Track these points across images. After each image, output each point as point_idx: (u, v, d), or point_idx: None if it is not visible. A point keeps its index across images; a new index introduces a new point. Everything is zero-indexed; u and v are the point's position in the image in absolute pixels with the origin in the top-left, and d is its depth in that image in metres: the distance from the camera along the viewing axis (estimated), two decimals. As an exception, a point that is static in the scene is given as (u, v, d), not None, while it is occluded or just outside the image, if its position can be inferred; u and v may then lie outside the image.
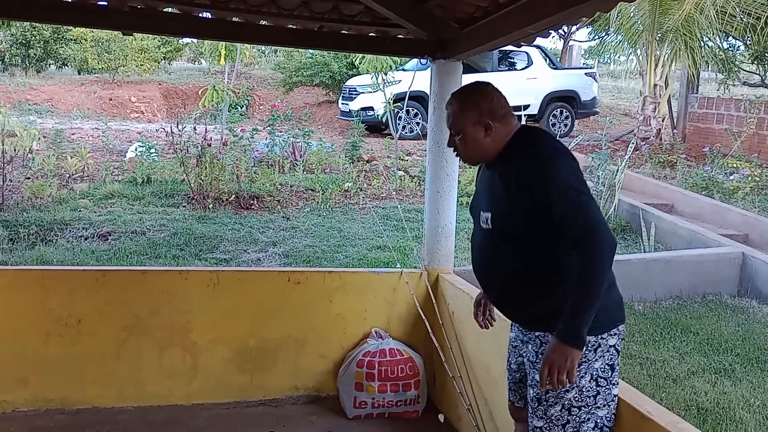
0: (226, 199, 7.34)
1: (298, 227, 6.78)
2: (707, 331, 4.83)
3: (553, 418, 2.03)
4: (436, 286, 3.57)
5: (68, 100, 16.04)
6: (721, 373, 4.15)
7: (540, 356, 2.04)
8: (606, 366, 2.02)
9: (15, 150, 7.73)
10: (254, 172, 8.15)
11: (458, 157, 2.25)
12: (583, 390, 2.01)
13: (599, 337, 2.00)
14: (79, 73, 18.78)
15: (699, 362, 4.29)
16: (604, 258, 1.87)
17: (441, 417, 3.41)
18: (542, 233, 1.96)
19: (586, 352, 1.97)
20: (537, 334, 2.09)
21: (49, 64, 19.33)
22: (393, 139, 9.99)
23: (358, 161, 9.44)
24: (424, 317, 3.52)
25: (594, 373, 2.00)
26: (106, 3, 3.14)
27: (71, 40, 18.00)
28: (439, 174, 3.51)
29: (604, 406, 2.03)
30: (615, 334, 2.03)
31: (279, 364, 3.54)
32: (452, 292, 3.42)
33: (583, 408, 2.02)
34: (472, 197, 2.32)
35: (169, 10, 3.27)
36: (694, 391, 3.89)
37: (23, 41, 17.94)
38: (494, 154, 2.11)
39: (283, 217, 7.12)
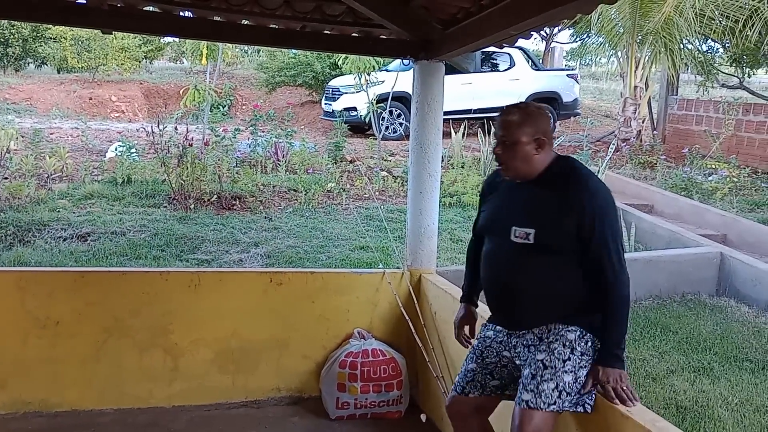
0: (208, 200, 7.29)
1: (280, 228, 6.75)
2: (686, 330, 4.89)
3: (543, 393, 2.09)
4: (419, 287, 3.57)
5: (47, 99, 15.83)
6: (699, 372, 4.20)
7: (541, 341, 2.18)
8: None
9: (-8, 149, 7.62)
10: (236, 173, 8.10)
11: (499, 166, 2.32)
12: (578, 380, 2.12)
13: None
14: (59, 72, 18.54)
15: (678, 361, 4.35)
16: (627, 297, 2.14)
17: (423, 417, 3.41)
18: (576, 252, 2.15)
19: (588, 348, 2.16)
20: (535, 330, 2.21)
21: (28, 63, 19.07)
22: (376, 139, 9.99)
23: (341, 162, 9.43)
24: (406, 317, 3.52)
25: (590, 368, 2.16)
26: (85, 1, 3.10)
27: (50, 38, 17.76)
28: (422, 174, 3.52)
29: (592, 394, 2.16)
30: None
31: (261, 365, 3.52)
32: (435, 293, 3.43)
33: (574, 396, 2.11)
34: (485, 214, 2.39)
35: (150, 8, 3.24)
36: (674, 389, 3.94)
37: (1, 39, 17.67)
38: (534, 173, 2.23)
39: (266, 217, 7.09)
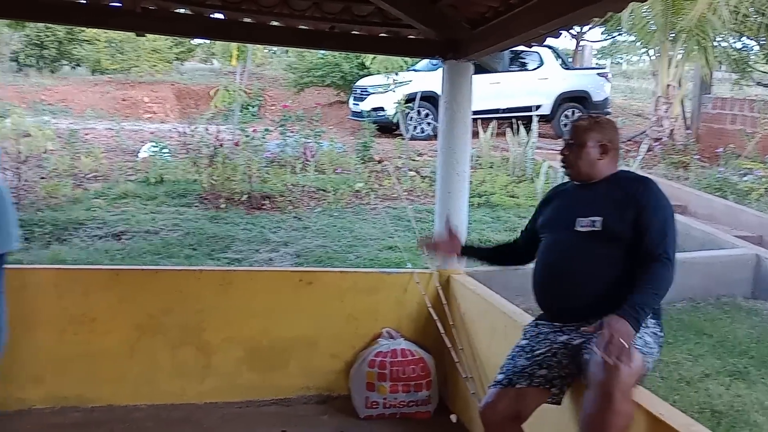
0: (238, 199, 7.37)
1: (309, 227, 6.79)
2: (721, 333, 4.80)
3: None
4: (448, 287, 3.57)
5: (82, 100, 16.16)
6: (735, 376, 4.12)
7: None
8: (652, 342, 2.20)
9: (30, 150, 7.82)
10: (266, 173, 8.17)
11: (564, 167, 2.46)
12: (649, 346, 2.14)
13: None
14: (93, 74, 18.91)
15: (713, 365, 4.27)
16: (670, 282, 2.18)
17: (453, 418, 3.40)
18: (632, 241, 2.22)
19: (657, 332, 2.21)
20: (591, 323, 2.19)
21: (63, 65, 19.48)
22: (404, 139, 9.99)
23: (369, 161, 9.45)
24: (435, 318, 3.52)
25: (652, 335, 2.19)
26: (119, 4, 3.17)
27: (85, 40, 18.14)
28: (450, 174, 3.51)
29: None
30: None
31: (291, 363, 3.56)
32: (463, 293, 3.42)
33: (648, 353, 2.11)
34: (548, 213, 2.49)
35: (182, 11, 3.30)
36: (708, 393, 3.87)
37: (37, 42, 18.11)
38: (597, 177, 2.36)
39: (295, 217, 7.14)
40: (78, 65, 19.40)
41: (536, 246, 2.52)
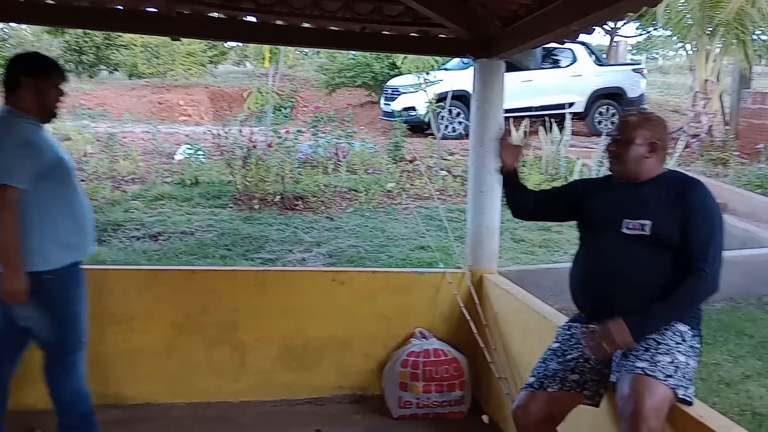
0: (272, 200, 7.45)
1: (341, 227, 6.83)
2: (763, 333, 4.67)
3: (659, 363, 2.02)
4: (480, 287, 3.55)
5: (120, 104, 16.52)
6: (777, 378, 4.01)
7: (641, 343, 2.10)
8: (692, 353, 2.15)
9: (70, 153, 8.00)
10: (298, 173, 8.25)
11: (609, 163, 2.37)
12: (689, 366, 2.08)
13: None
14: (130, 78, 19.32)
15: (754, 366, 4.16)
16: (704, 297, 2.17)
17: (486, 418, 3.39)
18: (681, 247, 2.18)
19: (697, 343, 2.16)
20: None
21: (101, 70, 19.94)
22: (435, 138, 9.96)
23: (401, 161, 9.45)
24: (468, 318, 3.50)
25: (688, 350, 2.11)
26: (155, 9, 3.23)
27: (122, 46, 18.54)
28: (482, 173, 3.49)
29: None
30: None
31: (324, 362, 3.58)
32: (496, 293, 3.40)
33: (687, 380, 2.05)
34: (592, 209, 2.39)
35: (216, 14, 3.35)
36: (749, 395, 3.77)
37: (76, 48, 18.56)
38: (643, 176, 2.28)
39: (327, 217, 7.19)
40: (115, 70, 19.83)
41: (544, 211, 2.62)
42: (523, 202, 2.59)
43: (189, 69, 18.48)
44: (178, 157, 9.29)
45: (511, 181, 2.56)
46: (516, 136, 9.88)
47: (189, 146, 9.04)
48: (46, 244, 2.63)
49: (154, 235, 6.38)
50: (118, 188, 7.91)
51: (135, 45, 18.07)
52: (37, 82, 2.65)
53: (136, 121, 14.82)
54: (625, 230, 2.21)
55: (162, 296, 3.47)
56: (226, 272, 3.64)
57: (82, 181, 7.86)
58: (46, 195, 2.62)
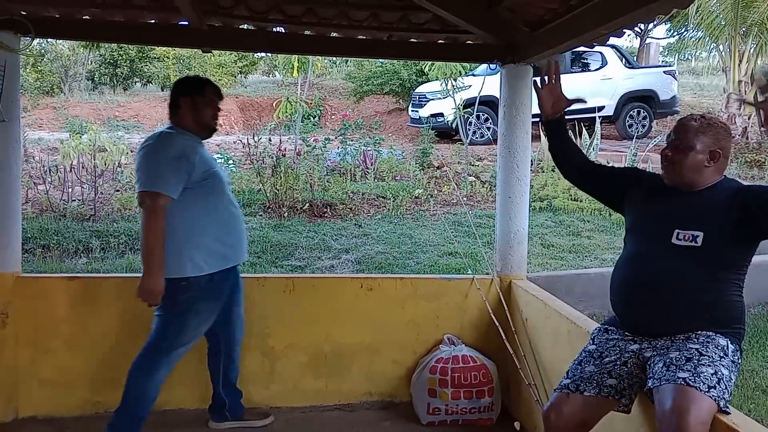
0: (301, 208, 7.52)
1: (369, 234, 6.86)
2: (801, 339, 4.56)
3: (701, 374, 1.93)
4: (509, 293, 3.53)
5: (153, 115, 16.84)
6: (816, 385, 3.91)
7: (688, 340, 2.07)
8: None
9: (105, 164, 8.22)
10: (327, 181, 8.31)
11: (663, 168, 2.26)
12: (731, 380, 2.02)
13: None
14: (163, 90, 19.68)
15: (792, 373, 4.06)
16: None
17: (517, 425, 3.37)
18: (738, 262, 2.13)
19: (737, 358, 2.09)
20: (678, 336, 2.11)
21: (135, 82, 20.37)
22: (463, 144, 9.95)
23: (429, 168, 9.46)
24: (497, 324, 3.49)
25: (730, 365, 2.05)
26: (186, 23, 3.30)
27: (155, 58, 18.94)
28: (510, 179, 3.48)
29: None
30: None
31: (353, 369, 3.60)
32: (526, 299, 3.38)
33: (728, 394, 1.98)
34: (641, 214, 2.31)
35: (245, 26, 3.41)
36: (787, 403, 3.68)
37: (111, 61, 19.02)
38: (699, 186, 2.18)
39: (355, 224, 7.23)
40: (149, 82, 20.24)
41: (593, 180, 2.52)
42: (571, 158, 2.50)
43: (220, 80, 18.75)
44: (209, 166, 9.42)
45: (554, 129, 2.46)
46: (546, 142, 9.82)
47: (219, 155, 9.17)
48: (193, 251, 2.85)
49: (187, 243, 6.48)
50: (152, 198, 8.05)
51: (167, 57, 18.44)
52: (194, 101, 2.93)
53: (168, 131, 15.06)
54: (675, 241, 2.13)
55: (194, 303, 3.51)
56: (256, 279, 3.67)
57: (117, 191, 8.05)
58: (196, 205, 2.84)
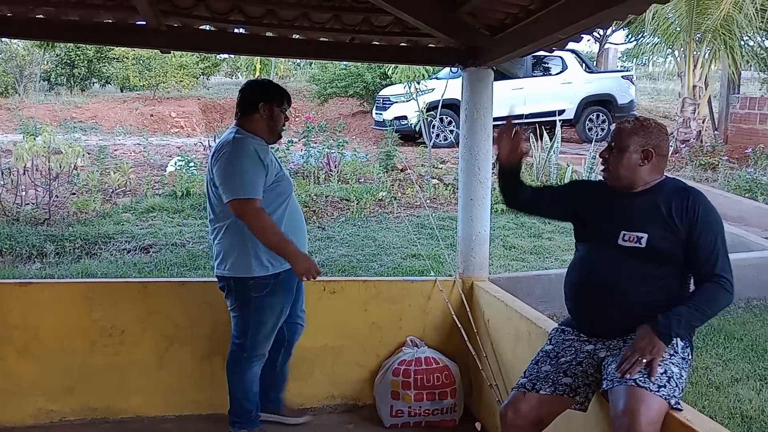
0: (263, 211, 7.44)
1: (333, 237, 6.83)
2: (752, 337, 4.70)
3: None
4: (471, 294, 3.56)
5: (111, 117, 16.52)
6: (766, 380, 4.03)
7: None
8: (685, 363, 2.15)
9: (60, 166, 8.01)
10: (290, 184, 8.24)
11: (603, 171, 2.33)
12: (682, 378, 2.08)
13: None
14: (122, 91, 19.34)
15: (743, 369, 4.18)
16: (725, 305, 2.18)
17: (478, 425, 3.39)
18: (681, 262, 2.18)
19: (688, 356, 2.16)
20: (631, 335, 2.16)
21: (93, 83, 19.95)
22: (427, 147, 10.00)
23: (392, 170, 9.48)
24: (459, 325, 3.51)
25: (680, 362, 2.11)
26: (144, 23, 3.24)
27: (114, 58, 18.58)
28: (472, 181, 3.51)
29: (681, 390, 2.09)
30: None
31: (316, 372, 3.57)
32: (487, 300, 3.41)
33: (679, 392, 2.04)
34: (588, 221, 2.36)
35: (206, 27, 3.36)
36: (738, 398, 3.79)
37: (68, 61, 18.58)
38: (637, 185, 2.25)
39: (319, 227, 7.19)
40: (107, 83, 19.85)
41: (540, 207, 2.60)
42: (520, 195, 2.54)
43: (181, 81, 18.51)
44: (169, 169, 9.28)
45: (507, 175, 2.48)
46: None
47: (180, 158, 9.04)
48: (260, 251, 2.94)
49: (146, 247, 6.37)
50: (109, 201, 7.89)
51: (127, 58, 18.10)
52: (272, 108, 3.03)
53: (127, 133, 14.82)
54: (621, 242, 2.19)
55: (153, 308, 3.46)
56: (216, 284, 3.63)
57: (73, 194, 7.86)
58: (267, 207, 2.92)
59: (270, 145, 3.11)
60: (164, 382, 3.46)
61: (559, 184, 2.66)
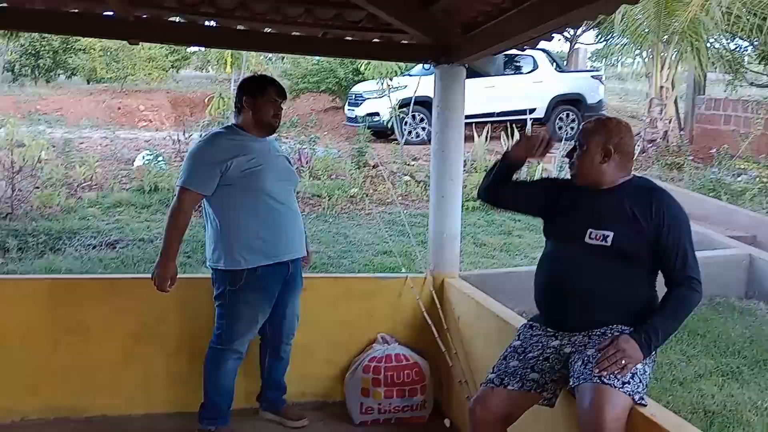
0: (233, 206, 7.37)
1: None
2: (714, 333, 4.81)
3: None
4: (442, 291, 3.57)
5: (77, 109, 16.17)
6: (728, 376, 4.13)
7: (603, 336, 2.16)
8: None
9: (24, 160, 7.81)
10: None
11: (570, 170, 2.38)
12: (646, 374, 2.12)
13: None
14: (89, 83, 18.94)
15: (706, 365, 4.28)
16: (696, 305, 2.24)
17: (447, 422, 3.40)
18: (648, 260, 2.22)
19: (652, 353, 2.18)
20: (595, 331, 2.21)
21: (59, 74, 19.51)
22: (399, 144, 10.01)
23: (364, 167, 9.47)
24: (429, 322, 3.52)
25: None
26: (112, 13, 3.17)
27: (80, 50, 18.18)
28: (444, 178, 3.52)
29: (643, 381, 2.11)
30: None
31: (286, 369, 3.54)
32: (458, 297, 3.42)
33: (643, 387, 2.08)
34: (557, 219, 2.40)
35: (175, 19, 3.30)
36: (701, 393, 3.88)
37: (33, 52, 18.13)
38: (602, 183, 2.29)
39: (290, 223, 7.14)
40: (73, 74, 19.43)
41: (508, 200, 2.66)
42: (502, 189, 2.58)
43: (150, 74, 18.20)
44: (137, 163, 9.13)
45: (505, 170, 2.54)
46: (479, 142, 9.99)
47: (149, 152, 8.90)
48: (232, 246, 2.99)
49: (112, 242, 6.25)
50: (74, 195, 7.73)
51: (94, 49, 17.73)
52: (255, 101, 3.04)
53: (94, 126, 14.53)
54: (588, 240, 2.22)
55: (119, 306, 3.39)
56: (184, 280, 3.56)
57: (36, 188, 7.67)
58: (234, 202, 2.97)
59: (262, 138, 3.11)
60: (131, 381, 3.40)
61: (531, 180, 2.69)
